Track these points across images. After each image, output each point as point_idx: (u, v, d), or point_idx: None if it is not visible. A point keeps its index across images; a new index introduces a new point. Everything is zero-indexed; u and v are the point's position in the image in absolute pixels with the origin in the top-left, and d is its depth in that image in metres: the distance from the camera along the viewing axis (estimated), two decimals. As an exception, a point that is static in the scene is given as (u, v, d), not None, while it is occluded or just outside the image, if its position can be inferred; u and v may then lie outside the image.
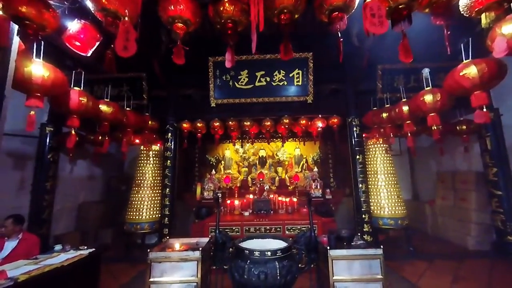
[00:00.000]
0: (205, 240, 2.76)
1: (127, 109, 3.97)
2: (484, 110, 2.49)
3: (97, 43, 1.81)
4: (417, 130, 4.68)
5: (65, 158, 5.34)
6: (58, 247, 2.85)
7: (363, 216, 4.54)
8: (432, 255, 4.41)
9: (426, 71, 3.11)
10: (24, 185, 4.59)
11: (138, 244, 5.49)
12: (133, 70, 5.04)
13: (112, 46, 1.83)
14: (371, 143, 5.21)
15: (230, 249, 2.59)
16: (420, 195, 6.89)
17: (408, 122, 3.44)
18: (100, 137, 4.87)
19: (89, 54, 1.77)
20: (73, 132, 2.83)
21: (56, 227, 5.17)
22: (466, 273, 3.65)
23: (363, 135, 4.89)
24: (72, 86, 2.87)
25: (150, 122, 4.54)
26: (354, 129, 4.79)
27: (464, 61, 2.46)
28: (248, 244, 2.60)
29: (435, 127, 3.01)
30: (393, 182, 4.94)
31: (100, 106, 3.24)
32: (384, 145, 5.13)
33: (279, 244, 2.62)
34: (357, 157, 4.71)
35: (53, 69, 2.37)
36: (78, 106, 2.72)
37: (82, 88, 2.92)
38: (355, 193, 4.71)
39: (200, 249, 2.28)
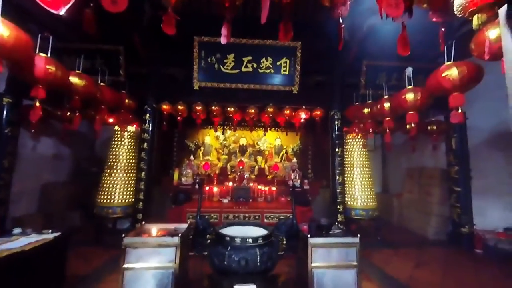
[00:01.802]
0: (183, 226, 2.68)
1: (102, 84, 3.63)
2: (459, 111, 2.65)
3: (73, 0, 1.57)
4: (393, 127, 4.92)
5: (27, 134, 4.84)
6: (17, 230, 2.60)
7: (338, 206, 4.73)
8: (397, 244, 4.75)
9: (409, 70, 3.21)
10: (-24, 161, 4.10)
11: (109, 229, 5.24)
12: (109, 42, 4.62)
13: (91, 4, 1.60)
14: (350, 137, 5.38)
15: (210, 235, 2.55)
16: (389, 189, 7.35)
17: (388, 118, 3.57)
18: (69, 113, 4.44)
19: (62, 13, 1.53)
20: (37, 104, 2.53)
21: (16, 209, 4.72)
22: (426, 259, 4.01)
23: (344, 129, 5.02)
24: (37, 52, 2.54)
25: (127, 101, 4.22)
26: (336, 122, 4.89)
27: (447, 63, 2.57)
28: (229, 231, 2.57)
29: (413, 125, 3.15)
30: (367, 176, 5.18)
31: (70, 77, 2.91)
32: (362, 140, 5.33)
33: (260, 231, 2.63)
34: (337, 150, 4.84)
35: (15, 28, 2.05)
36: (45, 75, 2.41)
37: (49, 56, 2.59)
38: (332, 185, 4.87)
39: (180, 234, 2.20)
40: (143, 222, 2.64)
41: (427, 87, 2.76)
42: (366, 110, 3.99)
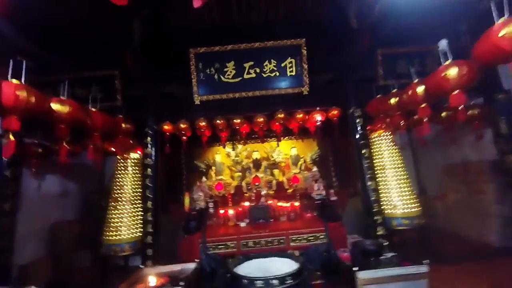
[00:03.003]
0: (191, 266, 2.14)
1: (92, 109, 3.31)
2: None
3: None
4: (417, 121, 4.23)
5: (30, 174, 4.61)
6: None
7: (375, 217, 4.01)
8: (455, 257, 3.91)
9: (443, 43, 2.63)
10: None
11: (121, 266, 4.78)
12: (103, 68, 4.42)
13: None
14: (375, 135, 4.73)
15: (224, 275, 1.99)
16: (426, 190, 6.45)
17: (423, 105, 2.95)
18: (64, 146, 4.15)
19: None
20: (11, 137, 2.18)
21: (22, 255, 4.39)
22: (501, 276, 3.16)
23: (367, 127, 4.40)
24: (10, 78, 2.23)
25: (124, 125, 3.88)
26: (357, 120, 4.29)
27: (504, 18, 1.98)
28: (247, 268, 2.00)
29: (460, 108, 2.52)
30: (403, 177, 4.45)
31: (52, 104, 2.59)
32: (390, 137, 4.66)
33: (287, 265, 2.03)
34: (363, 151, 4.20)
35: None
36: (15, 102, 2.07)
37: (23, 81, 2.28)
38: (364, 192, 4.18)
39: (181, 283, 1.66)
40: (141, 266, 2.12)
41: (475, 56, 2.17)
42: (393, 100, 3.40)
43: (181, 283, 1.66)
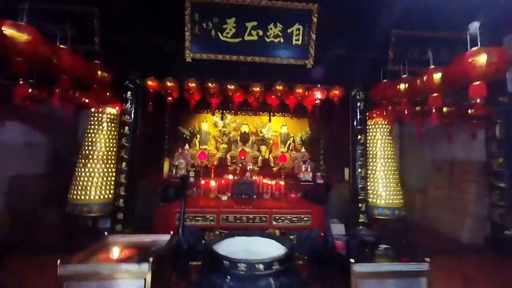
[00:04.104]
0: (165, 238, 1.88)
1: (61, 46, 2.76)
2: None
3: None
4: (424, 112, 4.07)
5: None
6: None
7: (360, 205, 3.95)
8: (428, 250, 3.99)
9: (475, 26, 2.35)
10: None
11: (89, 229, 4.49)
12: (81, 2, 3.73)
13: None
14: (372, 123, 4.56)
15: (200, 255, 1.75)
16: (408, 184, 6.55)
17: (435, 94, 2.72)
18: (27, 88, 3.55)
19: None
20: None
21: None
22: (473, 272, 3.25)
23: (367, 113, 4.19)
24: None
25: (100, 73, 3.35)
26: (358, 104, 4.05)
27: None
28: (228, 247, 1.77)
29: (478, 100, 2.31)
30: (392, 169, 4.40)
31: (4, 28, 2.05)
32: (386, 126, 4.51)
33: (273, 247, 1.83)
34: (359, 137, 4.02)
35: None
36: None
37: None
38: (353, 179, 4.08)
39: (151, 259, 1.40)
40: (105, 233, 1.83)
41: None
42: (402, 86, 3.14)
43: (151, 259, 1.40)
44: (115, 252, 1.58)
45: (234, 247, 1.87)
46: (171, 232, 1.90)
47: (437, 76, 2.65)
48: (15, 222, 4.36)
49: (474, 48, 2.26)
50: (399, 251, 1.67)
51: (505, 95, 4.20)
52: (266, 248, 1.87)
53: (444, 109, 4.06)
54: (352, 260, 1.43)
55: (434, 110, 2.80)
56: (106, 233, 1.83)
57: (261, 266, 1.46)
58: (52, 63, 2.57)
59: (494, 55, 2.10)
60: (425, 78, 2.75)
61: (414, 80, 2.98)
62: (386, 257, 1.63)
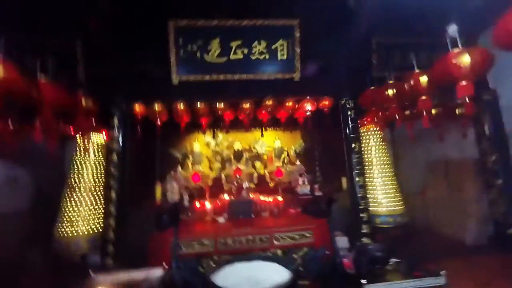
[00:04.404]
0: (157, 272, 1.72)
1: (41, 80, 2.68)
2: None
3: None
4: (414, 115, 4.12)
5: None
6: None
7: (362, 215, 3.84)
8: (435, 254, 3.86)
9: (453, 28, 2.41)
10: None
11: (78, 265, 4.18)
12: (62, 36, 3.71)
13: None
14: (364, 130, 4.57)
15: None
16: (406, 187, 6.51)
17: (424, 97, 2.75)
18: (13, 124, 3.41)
19: None
20: None
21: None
22: (485, 275, 3.13)
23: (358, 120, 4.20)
24: None
25: (84, 102, 3.27)
26: (349, 112, 4.06)
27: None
28: (228, 277, 1.63)
29: (467, 100, 2.33)
30: (389, 174, 4.36)
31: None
32: (379, 132, 4.52)
33: (277, 273, 1.70)
34: (353, 145, 4.00)
35: None
36: None
37: None
38: (351, 189, 3.99)
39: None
40: (90, 271, 1.66)
41: (494, 39, 1.94)
42: (390, 92, 3.17)
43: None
44: (102, 297, 1.42)
45: (234, 277, 1.73)
46: (164, 264, 1.74)
47: (423, 79, 2.69)
48: (-3, 266, 4.02)
49: (456, 50, 2.31)
50: (411, 264, 1.56)
51: (488, 93, 4.30)
52: (270, 274, 1.74)
53: (432, 110, 4.11)
54: (364, 281, 1.32)
55: (424, 113, 2.79)
56: (91, 272, 1.66)
57: (265, 297, 1.34)
58: (31, 97, 2.48)
59: (477, 54, 2.14)
60: (412, 82, 2.78)
61: (401, 85, 3.02)
62: (398, 273, 1.52)
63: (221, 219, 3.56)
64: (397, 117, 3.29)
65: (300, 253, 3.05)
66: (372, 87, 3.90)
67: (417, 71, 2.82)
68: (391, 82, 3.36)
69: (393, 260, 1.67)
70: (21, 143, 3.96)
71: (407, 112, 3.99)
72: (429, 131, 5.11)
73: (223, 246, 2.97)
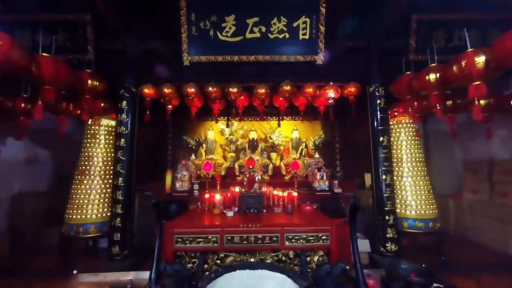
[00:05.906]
0: (145, 275, 1.49)
1: (43, 54, 2.52)
2: None
3: None
4: (458, 105, 3.51)
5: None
6: None
7: (387, 217, 3.41)
8: (472, 267, 3.37)
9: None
10: None
11: (88, 248, 4.22)
12: (72, 11, 3.56)
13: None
14: (395, 122, 4.04)
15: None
16: (437, 187, 5.86)
17: (477, 83, 2.22)
18: (23, 103, 3.35)
19: None
20: None
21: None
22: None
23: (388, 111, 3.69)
24: None
25: (91, 82, 3.10)
26: (378, 101, 3.55)
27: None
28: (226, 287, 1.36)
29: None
30: (422, 174, 3.84)
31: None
32: (411, 125, 3.98)
33: (282, 286, 1.41)
34: (381, 139, 3.51)
35: None
36: None
37: None
38: (376, 187, 3.55)
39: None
40: (74, 272, 1.47)
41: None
42: (432, 77, 2.64)
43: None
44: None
45: (234, 287, 1.46)
46: (153, 265, 1.50)
47: (480, 59, 2.15)
48: (15, 243, 4.16)
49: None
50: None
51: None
52: (274, 286, 1.45)
53: (481, 101, 3.48)
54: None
55: (476, 102, 2.28)
56: (75, 272, 1.47)
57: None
58: (30, 72, 2.32)
59: None
60: (463, 63, 2.25)
61: (447, 68, 2.48)
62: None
63: (230, 213, 3.32)
64: (438, 108, 2.75)
65: (315, 257, 2.73)
66: (408, 72, 3.35)
67: (471, 49, 2.27)
68: (433, 65, 2.81)
69: (435, 285, 1.30)
70: (40, 123, 3.98)
71: (448, 103, 3.41)
72: (468, 126, 4.46)
73: (229, 243, 2.73)
